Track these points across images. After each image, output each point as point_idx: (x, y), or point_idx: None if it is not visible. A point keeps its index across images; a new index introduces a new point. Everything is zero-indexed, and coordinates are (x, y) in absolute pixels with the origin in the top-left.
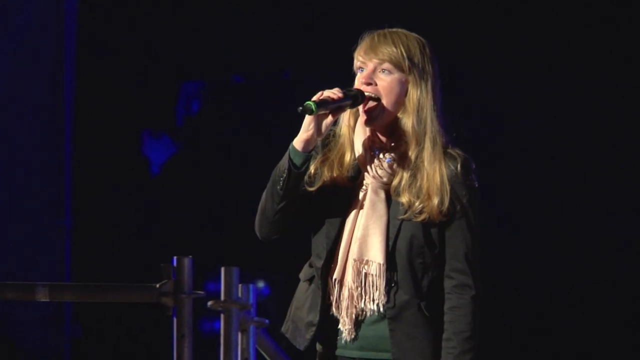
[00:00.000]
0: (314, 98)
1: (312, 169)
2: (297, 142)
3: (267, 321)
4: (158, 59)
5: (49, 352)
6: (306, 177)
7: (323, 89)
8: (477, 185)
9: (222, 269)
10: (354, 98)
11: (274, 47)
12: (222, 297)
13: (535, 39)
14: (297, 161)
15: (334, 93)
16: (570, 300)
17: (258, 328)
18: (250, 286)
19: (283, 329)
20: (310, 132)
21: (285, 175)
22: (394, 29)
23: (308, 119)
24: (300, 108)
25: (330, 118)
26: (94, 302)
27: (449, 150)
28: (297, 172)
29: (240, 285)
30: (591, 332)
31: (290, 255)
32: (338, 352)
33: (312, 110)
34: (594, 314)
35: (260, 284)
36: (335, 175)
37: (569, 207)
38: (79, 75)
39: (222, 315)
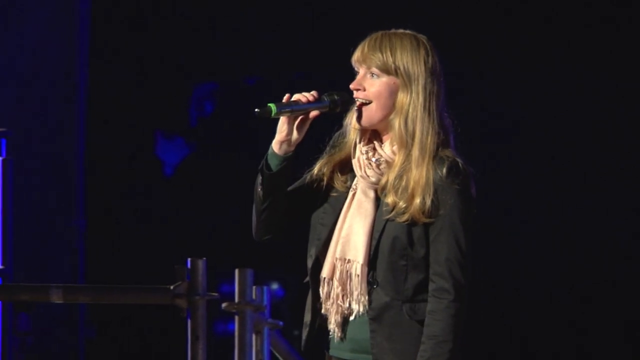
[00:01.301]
0: (284, 100)
1: (316, 169)
2: (274, 144)
3: (281, 323)
4: (171, 60)
5: (63, 352)
6: (308, 177)
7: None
8: (469, 190)
9: (236, 271)
10: (333, 102)
11: (286, 49)
12: (237, 299)
13: (536, 39)
14: (272, 163)
15: (305, 96)
16: (570, 301)
17: (272, 330)
18: (265, 288)
19: None
20: (283, 134)
21: (260, 177)
22: (391, 31)
23: (281, 121)
24: (257, 110)
25: (300, 120)
26: (108, 303)
27: (440, 153)
28: (269, 173)
29: (254, 287)
30: (591, 332)
31: (304, 257)
32: (332, 352)
33: (271, 112)
34: (594, 314)
35: (275, 286)
36: (336, 176)
37: (569, 207)
38: (91, 77)
39: (236, 317)
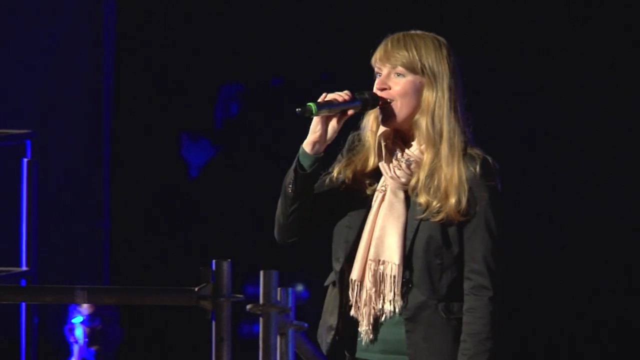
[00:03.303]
0: (322, 98)
1: (335, 172)
2: (306, 144)
3: (306, 325)
4: (197, 61)
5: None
6: (327, 181)
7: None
8: (498, 187)
9: (261, 273)
10: (365, 101)
11: (312, 49)
12: (261, 301)
13: (537, 39)
14: (305, 163)
15: (340, 95)
16: (581, 307)
17: (297, 332)
18: (290, 290)
19: (318, 334)
20: (317, 134)
21: (293, 177)
22: (411, 32)
23: (315, 121)
24: (299, 109)
25: (334, 120)
26: (133, 305)
27: (469, 151)
28: (303, 173)
29: (279, 288)
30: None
31: (330, 258)
32: (359, 354)
33: (312, 111)
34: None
35: (300, 288)
36: (357, 178)
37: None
38: (117, 77)
39: (261, 319)
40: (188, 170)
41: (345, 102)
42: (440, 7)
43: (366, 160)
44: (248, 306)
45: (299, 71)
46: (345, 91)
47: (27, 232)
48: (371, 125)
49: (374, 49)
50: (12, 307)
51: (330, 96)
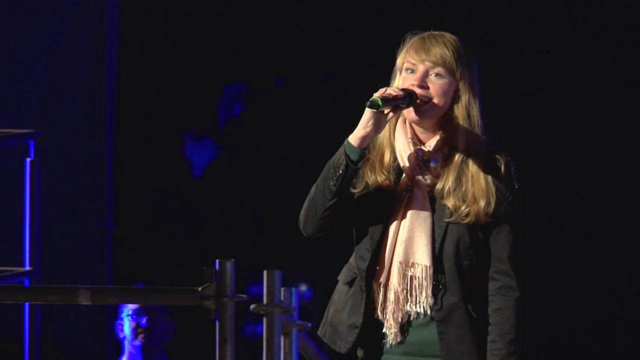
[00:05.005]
0: (378, 94)
1: None
2: (354, 139)
3: (309, 324)
4: (199, 60)
5: (90, 354)
6: None
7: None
8: (517, 188)
9: (265, 273)
10: (410, 97)
11: (313, 49)
12: (265, 301)
13: (537, 39)
14: (354, 157)
15: (395, 90)
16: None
17: (301, 331)
18: (293, 289)
19: (320, 332)
20: (369, 129)
21: (341, 172)
22: (440, 32)
23: (367, 116)
24: (368, 102)
25: (390, 115)
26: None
27: (492, 153)
28: (354, 168)
29: (282, 288)
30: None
31: (333, 258)
32: (383, 357)
33: (378, 105)
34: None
35: (303, 287)
36: (376, 176)
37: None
38: (120, 77)
39: (264, 319)
40: (191, 170)
41: (400, 97)
42: (440, 7)
43: (382, 156)
44: (252, 306)
45: (301, 71)
46: (395, 86)
47: (30, 232)
48: (390, 118)
49: (399, 47)
50: (15, 307)
51: (387, 91)
